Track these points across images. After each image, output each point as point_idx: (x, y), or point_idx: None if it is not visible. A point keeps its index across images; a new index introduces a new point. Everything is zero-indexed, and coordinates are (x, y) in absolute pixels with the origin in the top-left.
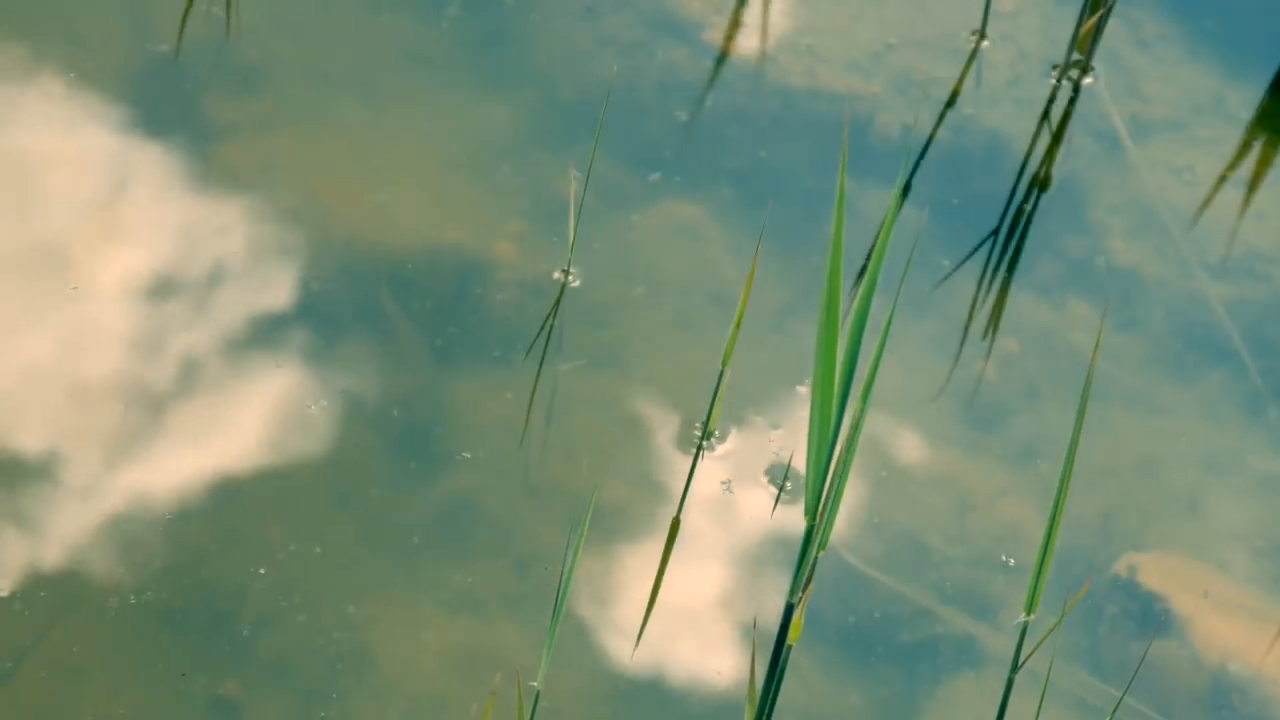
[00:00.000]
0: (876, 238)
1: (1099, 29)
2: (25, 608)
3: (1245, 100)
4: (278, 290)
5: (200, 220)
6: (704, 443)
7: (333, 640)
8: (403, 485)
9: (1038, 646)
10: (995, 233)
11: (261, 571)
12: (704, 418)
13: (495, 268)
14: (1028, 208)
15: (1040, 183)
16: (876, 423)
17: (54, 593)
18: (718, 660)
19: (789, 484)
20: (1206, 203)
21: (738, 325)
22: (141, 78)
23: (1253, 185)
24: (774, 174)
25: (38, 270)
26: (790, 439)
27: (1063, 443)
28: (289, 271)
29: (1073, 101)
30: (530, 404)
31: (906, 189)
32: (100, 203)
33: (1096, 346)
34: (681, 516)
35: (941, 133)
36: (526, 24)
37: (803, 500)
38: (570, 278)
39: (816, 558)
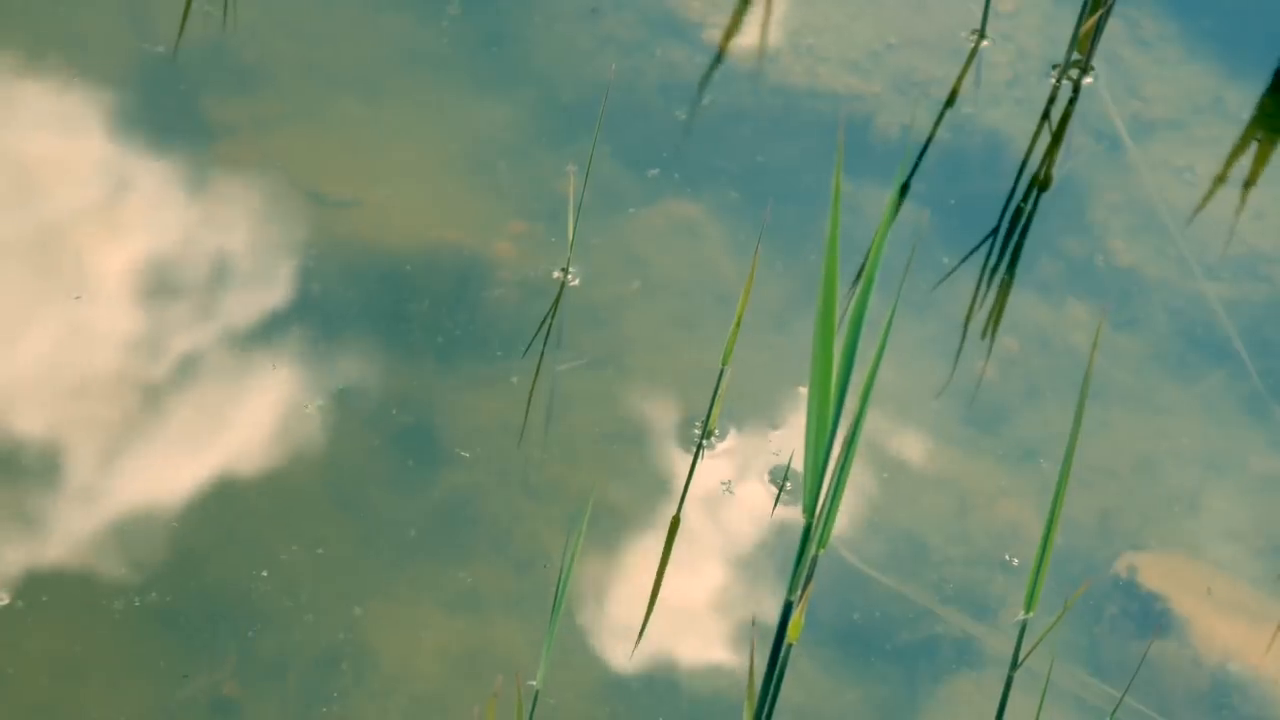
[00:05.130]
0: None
1: (1099, 29)
2: (27, 609)
3: (1245, 100)
4: (277, 290)
5: (200, 220)
6: (704, 442)
7: (334, 640)
8: (402, 485)
9: (1036, 645)
10: (995, 232)
11: (264, 574)
12: (704, 417)
13: (495, 267)
14: (1027, 207)
15: (1040, 182)
16: (876, 422)
17: (56, 595)
18: (718, 659)
19: (789, 484)
20: (1206, 202)
21: (738, 324)
22: (141, 78)
23: (1253, 185)
24: (774, 173)
25: (38, 270)
26: (791, 439)
27: (1063, 442)
28: (288, 271)
29: (1073, 101)
30: (529, 403)
31: (906, 188)
32: (100, 203)
33: (1095, 346)
34: (681, 515)
35: (941, 132)
36: (526, 23)
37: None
38: (570, 277)
39: (816, 556)
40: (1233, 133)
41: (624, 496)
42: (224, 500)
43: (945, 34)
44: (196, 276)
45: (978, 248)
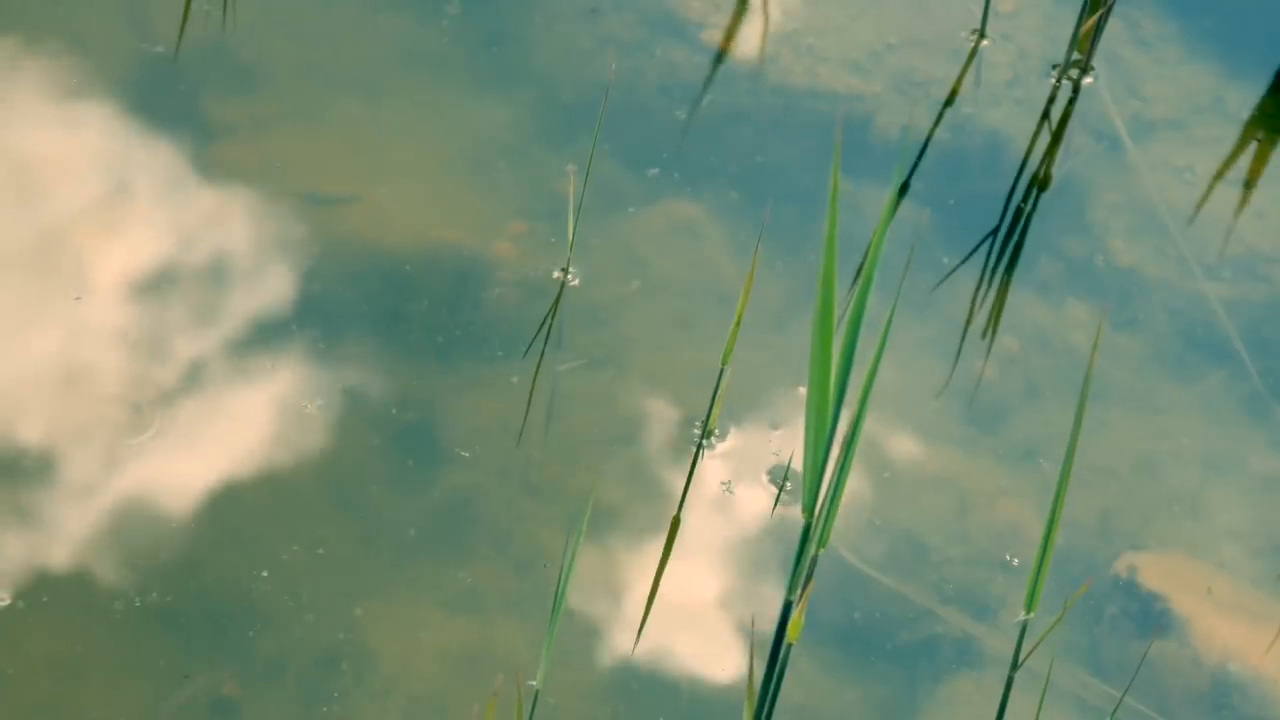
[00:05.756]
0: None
1: (1099, 29)
2: (27, 609)
3: (1245, 100)
4: (276, 289)
5: (199, 220)
6: (704, 442)
7: (335, 640)
8: (402, 485)
9: (1037, 645)
10: (995, 232)
11: (265, 574)
12: (704, 417)
13: (495, 267)
14: (1027, 207)
15: (1040, 182)
16: (876, 422)
17: (56, 595)
18: (718, 659)
19: (789, 484)
20: (1206, 202)
21: (737, 323)
22: (140, 78)
23: (1252, 185)
24: (774, 173)
25: (38, 270)
26: (791, 439)
27: (1063, 442)
28: (288, 271)
29: (1073, 101)
30: (529, 403)
31: (906, 188)
32: (100, 203)
33: (1095, 346)
34: (681, 515)
35: (941, 132)
36: (526, 23)
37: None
38: (570, 277)
39: (816, 555)
40: (1233, 133)
41: (624, 496)
42: (224, 500)
43: (945, 34)
44: (196, 275)
45: (978, 248)
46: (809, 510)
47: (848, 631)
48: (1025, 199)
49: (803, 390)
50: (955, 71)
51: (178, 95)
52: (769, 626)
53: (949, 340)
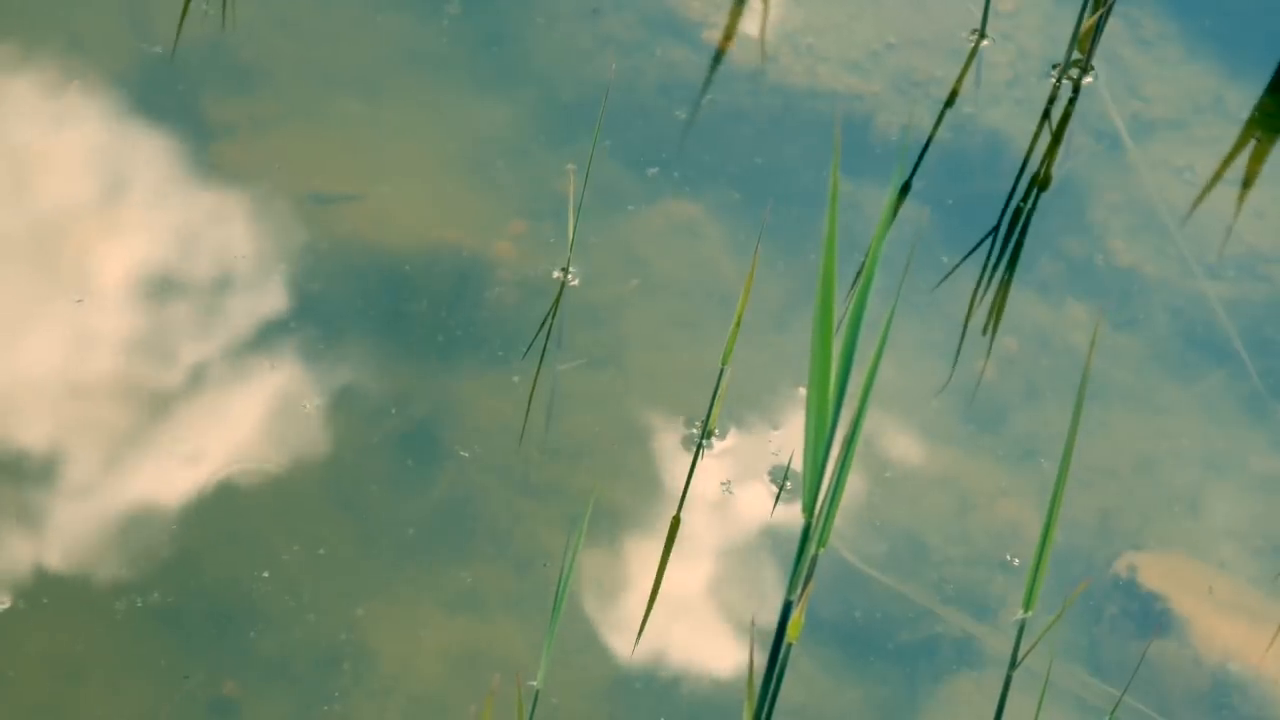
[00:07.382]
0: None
1: (1099, 29)
2: (28, 610)
3: (1245, 100)
4: (276, 289)
5: (199, 220)
6: (704, 442)
7: (335, 641)
8: (402, 485)
9: (1035, 643)
10: (995, 232)
11: (265, 574)
12: (704, 417)
13: (495, 267)
14: (1027, 207)
15: (1040, 182)
16: (876, 422)
17: (56, 596)
18: (718, 659)
19: (789, 484)
20: (1206, 202)
21: (737, 323)
22: (139, 77)
23: (1253, 184)
24: (774, 173)
25: (37, 270)
26: (791, 439)
27: (1063, 442)
28: (288, 271)
29: (1073, 101)
30: (530, 403)
31: (907, 188)
32: (99, 203)
33: (1092, 346)
34: (682, 515)
35: (941, 132)
36: (526, 23)
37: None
38: (570, 276)
39: (816, 555)
40: (1233, 132)
41: (624, 496)
42: (224, 500)
43: (945, 34)
44: (196, 276)
45: (977, 247)
46: (809, 510)
47: (848, 631)
48: (1025, 199)
49: (803, 390)
50: (955, 71)
51: (177, 95)
52: (769, 626)
53: (949, 340)
